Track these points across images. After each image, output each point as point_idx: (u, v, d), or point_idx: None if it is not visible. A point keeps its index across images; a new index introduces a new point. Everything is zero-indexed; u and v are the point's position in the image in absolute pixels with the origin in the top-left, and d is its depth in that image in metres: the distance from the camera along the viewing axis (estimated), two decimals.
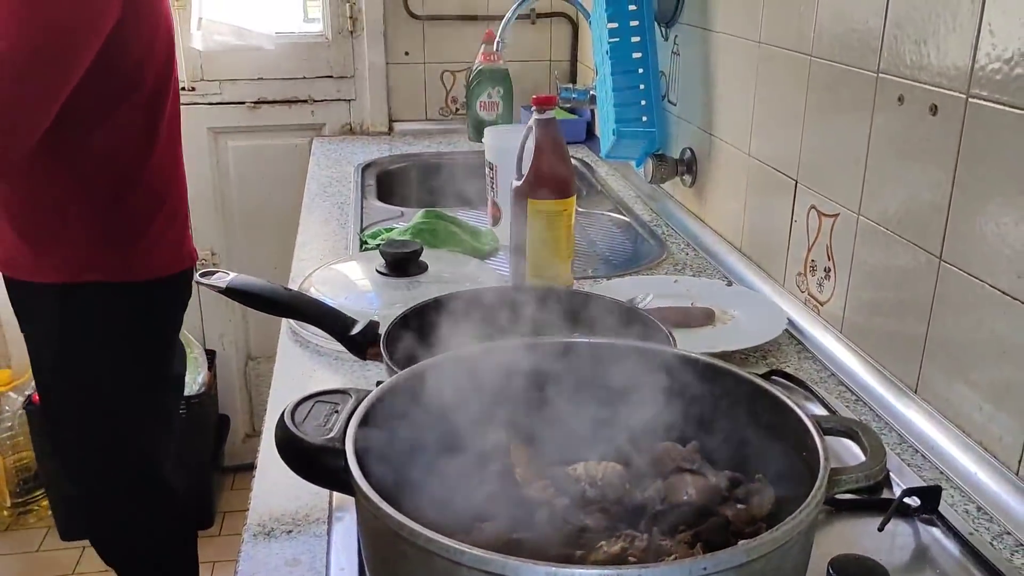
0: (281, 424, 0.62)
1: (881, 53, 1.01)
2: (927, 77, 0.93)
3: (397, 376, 0.69)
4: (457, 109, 2.51)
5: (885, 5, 1.00)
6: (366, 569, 0.63)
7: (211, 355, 2.63)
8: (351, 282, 1.32)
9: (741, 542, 0.57)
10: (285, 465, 0.89)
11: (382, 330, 0.94)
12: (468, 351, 0.73)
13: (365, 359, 0.97)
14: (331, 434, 0.61)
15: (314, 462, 0.60)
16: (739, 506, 0.65)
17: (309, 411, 0.64)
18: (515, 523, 0.64)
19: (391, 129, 2.50)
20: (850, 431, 0.65)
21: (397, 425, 0.66)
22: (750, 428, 0.70)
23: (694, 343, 1.07)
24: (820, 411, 0.98)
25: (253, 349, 2.70)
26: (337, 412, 0.64)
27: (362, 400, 0.64)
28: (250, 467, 3.04)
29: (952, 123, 0.89)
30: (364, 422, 0.62)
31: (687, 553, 0.58)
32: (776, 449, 0.68)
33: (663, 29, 1.71)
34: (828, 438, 0.63)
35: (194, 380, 2.45)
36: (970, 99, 0.87)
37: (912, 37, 0.96)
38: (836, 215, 1.13)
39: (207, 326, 2.64)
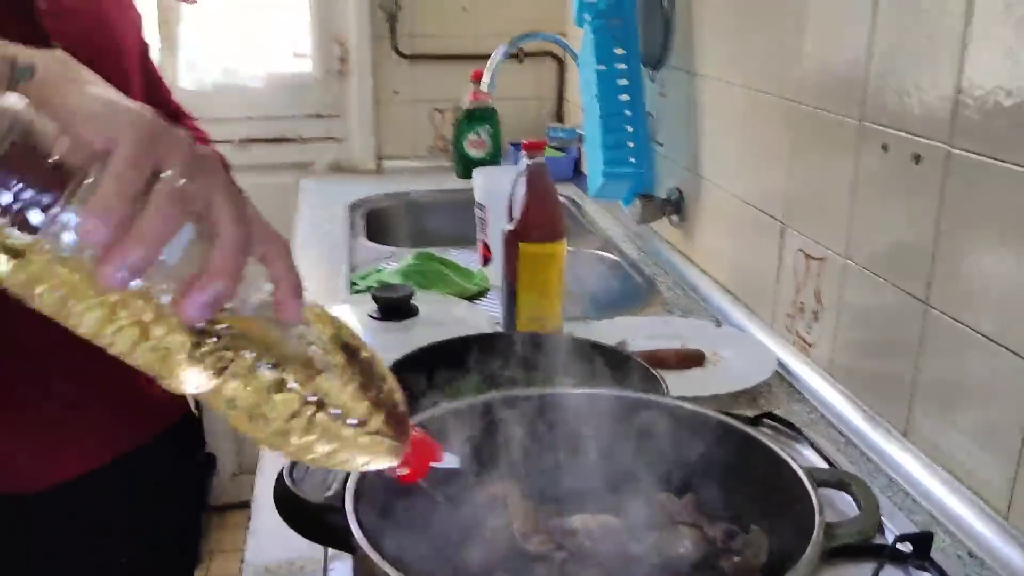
0: (280, 483, 0.62)
1: (865, 102, 1.04)
2: (910, 127, 0.96)
3: None
4: (446, 147, 2.53)
5: (867, 56, 1.03)
6: None
7: None
8: None
9: None
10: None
11: None
12: (463, 404, 0.74)
13: None
14: (330, 491, 0.61)
15: (314, 521, 0.60)
16: (735, 558, 0.66)
17: (308, 467, 0.64)
18: None
19: (380, 167, 2.51)
20: (843, 483, 0.66)
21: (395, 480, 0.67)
22: (744, 479, 0.71)
23: (685, 386, 1.08)
24: (811, 455, 0.99)
25: None
26: None
27: None
28: (240, 505, 3.00)
29: (935, 172, 0.91)
30: (364, 479, 0.62)
31: None
32: (770, 500, 0.69)
33: (650, 72, 1.74)
34: (821, 489, 0.64)
35: None
36: (952, 150, 0.89)
37: (894, 88, 0.98)
38: (823, 258, 1.15)
39: None
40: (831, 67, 1.11)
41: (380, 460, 0.52)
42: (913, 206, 0.96)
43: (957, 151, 0.88)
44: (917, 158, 0.94)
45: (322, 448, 0.48)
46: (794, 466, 0.65)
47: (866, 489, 0.65)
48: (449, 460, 0.57)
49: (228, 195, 0.45)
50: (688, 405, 0.74)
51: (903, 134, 0.97)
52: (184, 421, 1.13)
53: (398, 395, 0.52)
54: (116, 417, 0.96)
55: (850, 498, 0.77)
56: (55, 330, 0.43)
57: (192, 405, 1.12)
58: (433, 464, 0.56)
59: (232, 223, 0.44)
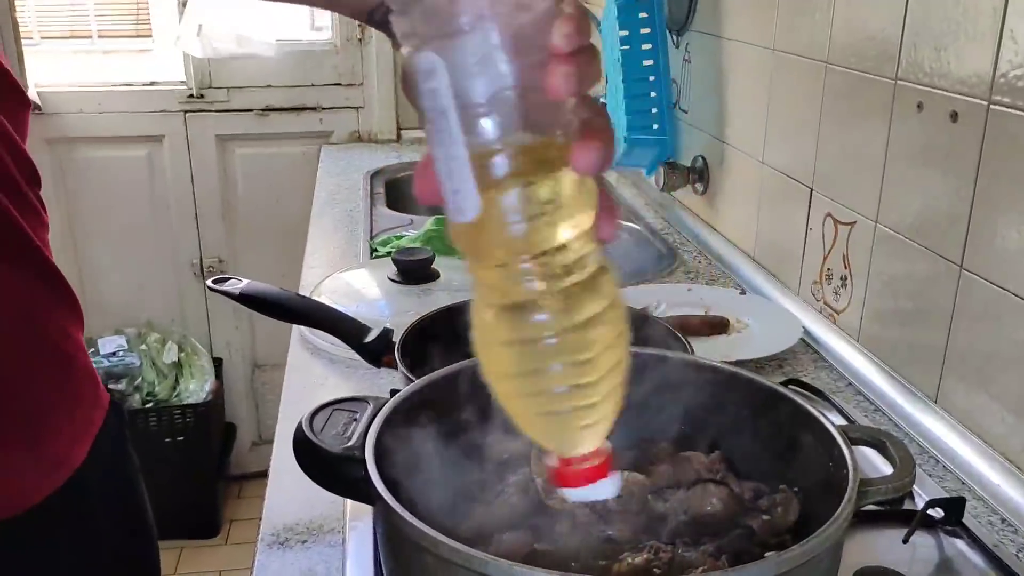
0: (299, 432, 0.61)
1: (899, 60, 1.00)
2: (947, 84, 0.93)
3: (415, 384, 0.68)
4: None
5: (903, 13, 0.99)
6: None
7: (218, 363, 2.62)
8: (363, 290, 1.31)
9: (770, 553, 0.56)
10: (298, 474, 0.89)
11: (396, 338, 0.93)
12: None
13: (379, 367, 0.96)
14: (350, 443, 0.60)
15: (333, 471, 0.59)
16: (764, 517, 0.64)
17: (327, 419, 0.63)
18: (536, 533, 0.63)
19: (399, 137, 2.49)
20: (877, 441, 0.64)
21: (415, 434, 0.65)
22: (772, 438, 0.69)
23: (709, 352, 1.06)
24: (839, 421, 0.97)
25: (260, 357, 2.69)
26: (355, 420, 0.63)
27: (380, 408, 0.63)
28: (257, 475, 3.02)
29: (973, 130, 0.88)
30: (383, 430, 0.61)
31: (713, 565, 0.57)
32: (799, 459, 0.67)
33: (674, 36, 1.71)
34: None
35: (201, 388, 2.45)
36: (991, 106, 0.86)
37: (931, 44, 0.95)
38: (853, 223, 1.12)
39: (214, 334, 2.64)
40: (864, 25, 1.08)
41: (587, 434, 0.47)
42: (949, 166, 0.93)
43: (997, 107, 0.85)
44: (954, 116, 0.91)
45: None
46: (826, 423, 0.63)
47: (900, 445, 0.63)
48: (611, 487, 0.50)
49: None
50: (715, 362, 0.72)
51: (939, 91, 0.94)
52: None
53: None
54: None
55: (878, 460, 0.75)
56: None
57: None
58: (593, 484, 0.49)
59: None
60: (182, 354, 2.51)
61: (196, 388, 2.45)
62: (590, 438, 0.48)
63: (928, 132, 0.96)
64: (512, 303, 0.44)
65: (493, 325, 0.44)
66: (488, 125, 0.40)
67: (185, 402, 2.41)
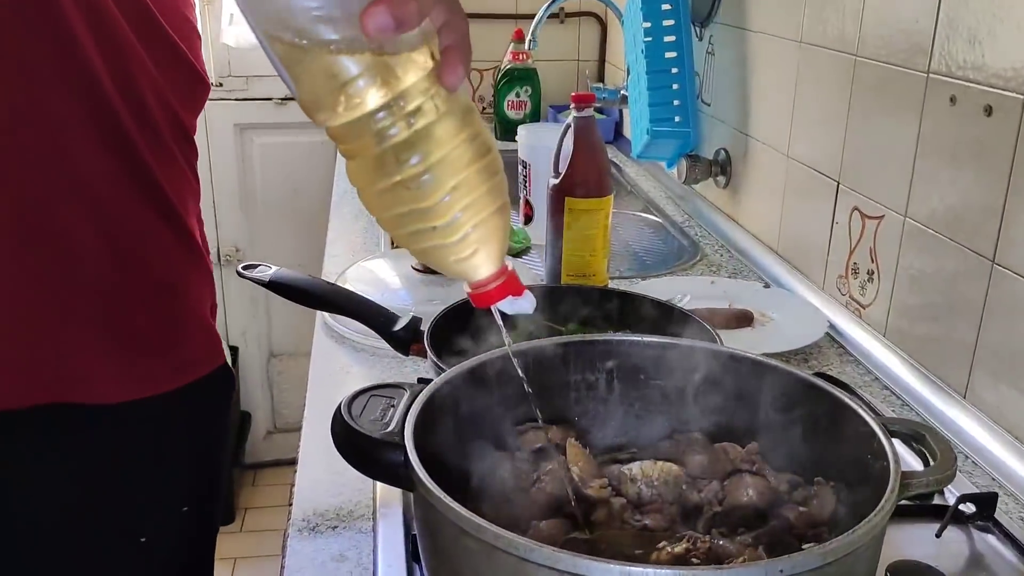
0: (338, 417, 0.61)
1: (932, 53, 1.00)
2: (981, 77, 0.92)
3: (452, 371, 0.68)
4: (484, 108, 2.50)
5: (936, 5, 0.99)
6: (424, 565, 0.62)
7: (234, 351, 2.63)
8: (386, 279, 1.31)
9: (813, 545, 0.56)
10: (326, 460, 0.89)
11: (424, 326, 0.93)
12: (521, 347, 0.72)
13: (408, 355, 0.96)
14: (389, 428, 0.60)
15: (373, 456, 0.59)
16: (800, 509, 0.64)
17: (365, 405, 0.63)
18: (571, 522, 0.64)
19: None
20: (917, 434, 0.64)
21: (452, 421, 0.66)
22: (808, 429, 0.69)
23: (735, 345, 1.06)
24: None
25: (276, 346, 2.70)
26: (393, 407, 0.64)
27: (418, 395, 0.64)
28: (272, 464, 3.02)
29: (1008, 124, 0.88)
30: (422, 417, 0.61)
31: (754, 556, 0.57)
32: (835, 451, 0.67)
33: (698, 29, 1.70)
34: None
35: None
36: None
37: (965, 37, 0.94)
38: (881, 217, 1.12)
39: (230, 322, 2.64)
40: (896, 17, 1.07)
41: (476, 262, 0.56)
42: (982, 160, 0.92)
43: None
44: (988, 110, 0.91)
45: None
46: (866, 416, 0.63)
47: (940, 438, 0.62)
48: (526, 302, 0.59)
49: None
50: (751, 354, 0.72)
51: (973, 85, 0.93)
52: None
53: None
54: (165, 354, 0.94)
55: (907, 455, 0.75)
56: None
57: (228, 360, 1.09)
58: (513, 297, 0.58)
59: None
60: None
61: None
62: (477, 267, 0.56)
63: (961, 126, 0.95)
64: (372, 154, 0.52)
65: (360, 175, 0.54)
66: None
67: None
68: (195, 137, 0.96)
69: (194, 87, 0.95)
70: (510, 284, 0.58)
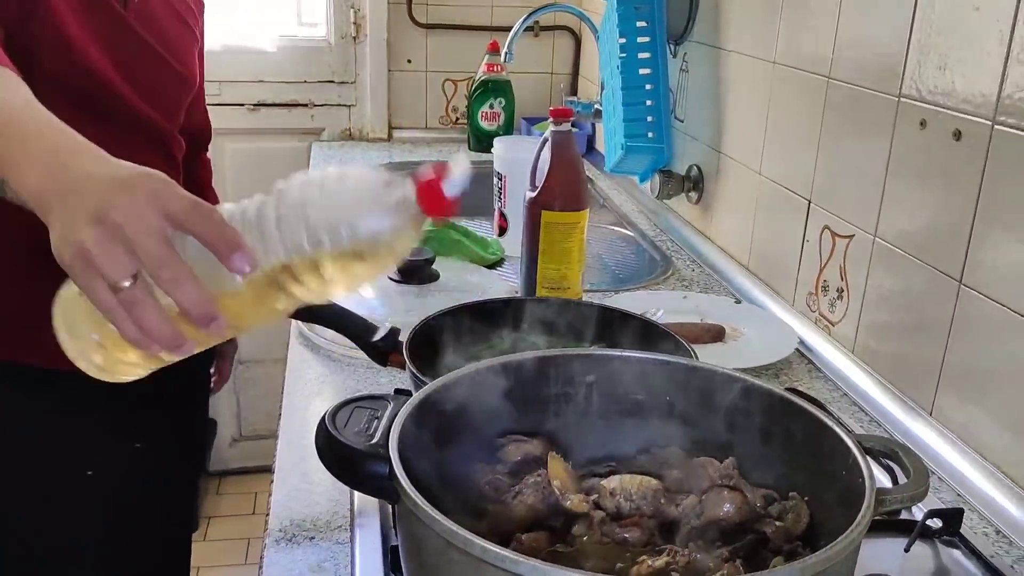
0: (323, 429, 0.61)
1: (903, 77, 1.02)
2: (951, 103, 0.94)
3: (436, 383, 0.68)
4: (457, 119, 2.51)
5: (908, 31, 1.01)
6: None
7: None
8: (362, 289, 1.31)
9: (789, 561, 0.57)
10: (302, 470, 0.89)
11: (403, 337, 0.94)
12: (501, 361, 0.73)
13: (386, 365, 0.96)
14: (374, 440, 0.60)
15: (358, 468, 0.59)
16: (776, 523, 0.65)
17: (349, 416, 0.64)
18: (553, 535, 0.64)
19: (390, 136, 2.49)
20: (890, 451, 0.66)
21: (435, 433, 0.66)
22: (783, 445, 0.70)
23: (706, 360, 1.07)
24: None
25: (243, 353, 2.67)
26: (377, 418, 0.64)
27: (402, 407, 0.64)
28: (236, 472, 2.97)
29: (977, 149, 0.90)
30: (406, 429, 0.61)
31: (733, 570, 0.58)
32: (810, 467, 0.68)
33: (672, 46, 1.72)
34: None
35: None
36: (996, 126, 0.88)
37: (936, 63, 0.97)
38: (851, 236, 1.14)
39: None
40: (869, 40, 1.10)
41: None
42: (951, 183, 0.95)
43: (1001, 128, 0.87)
44: (958, 134, 0.93)
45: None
46: (841, 433, 0.64)
47: (914, 456, 0.64)
48: (459, 171, 0.61)
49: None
50: (728, 369, 0.74)
51: (943, 110, 0.96)
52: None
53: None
54: None
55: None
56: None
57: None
58: (446, 193, 0.61)
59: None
60: None
61: None
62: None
63: (931, 149, 0.98)
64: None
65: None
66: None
67: None
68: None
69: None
70: (430, 200, 0.62)
